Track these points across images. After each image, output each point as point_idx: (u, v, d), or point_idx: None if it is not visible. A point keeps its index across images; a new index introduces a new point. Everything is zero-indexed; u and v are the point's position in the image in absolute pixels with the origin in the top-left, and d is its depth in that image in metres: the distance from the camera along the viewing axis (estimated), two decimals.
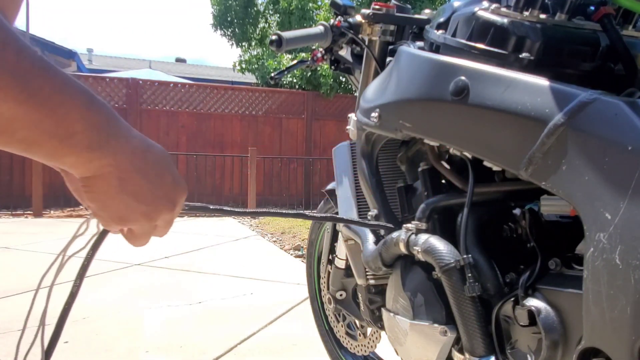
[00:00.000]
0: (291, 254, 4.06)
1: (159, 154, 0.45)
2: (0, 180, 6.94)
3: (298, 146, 8.63)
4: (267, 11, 11.06)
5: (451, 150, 0.86)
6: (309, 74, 8.59)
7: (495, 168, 0.77)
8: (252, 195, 6.76)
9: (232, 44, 11.19)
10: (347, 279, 1.43)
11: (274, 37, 1.19)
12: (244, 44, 11.11)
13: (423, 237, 0.86)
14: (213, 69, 23.00)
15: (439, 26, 0.88)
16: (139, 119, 7.62)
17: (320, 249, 1.64)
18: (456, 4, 0.86)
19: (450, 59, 0.80)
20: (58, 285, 0.51)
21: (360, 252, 1.09)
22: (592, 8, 0.77)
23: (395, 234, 0.93)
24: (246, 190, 6.97)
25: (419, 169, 0.98)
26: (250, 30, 10.99)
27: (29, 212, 6.42)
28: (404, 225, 0.92)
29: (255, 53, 10.30)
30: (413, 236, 0.88)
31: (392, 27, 1.15)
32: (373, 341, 1.42)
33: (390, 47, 1.16)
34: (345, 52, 1.32)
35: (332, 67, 1.37)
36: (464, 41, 0.81)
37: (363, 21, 1.16)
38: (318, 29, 1.22)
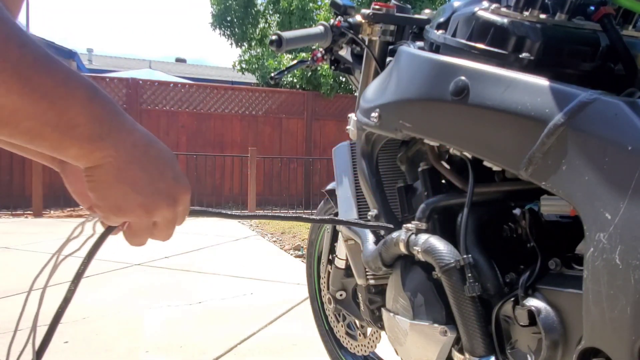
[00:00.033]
0: (291, 254, 4.06)
1: (162, 151, 0.46)
2: (0, 180, 6.94)
3: (298, 146, 8.63)
4: (267, 11, 11.07)
5: (451, 150, 0.86)
6: (309, 74, 8.60)
7: (495, 168, 0.77)
8: (252, 196, 6.76)
9: (232, 44, 11.19)
10: (347, 279, 1.43)
11: (274, 37, 1.19)
12: (243, 44, 11.11)
13: (423, 237, 0.86)
14: (213, 69, 23.01)
15: (439, 26, 0.88)
16: (139, 119, 7.62)
17: (320, 249, 1.64)
18: (456, 4, 0.86)
19: (450, 59, 0.80)
20: (56, 286, 0.51)
21: (360, 252, 1.09)
22: (592, 8, 0.77)
23: (395, 234, 0.93)
24: (246, 190, 6.97)
25: (419, 169, 0.98)
26: (250, 30, 10.99)
27: (29, 212, 6.42)
28: (404, 225, 0.92)
29: (255, 53, 10.30)
30: (413, 236, 0.88)
31: (392, 27, 1.15)
32: (373, 341, 1.42)
33: (390, 47, 1.16)
34: (345, 52, 1.32)
35: (332, 67, 1.37)
36: (464, 41, 0.81)
37: (363, 21, 1.16)
38: (318, 29, 1.22)
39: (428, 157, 0.94)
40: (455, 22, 0.84)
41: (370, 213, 1.05)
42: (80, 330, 2.12)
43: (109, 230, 0.51)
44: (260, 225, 5.70)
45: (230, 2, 10.86)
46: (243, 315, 2.38)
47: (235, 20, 10.93)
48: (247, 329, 2.18)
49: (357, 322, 1.48)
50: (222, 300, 2.63)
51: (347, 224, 1.14)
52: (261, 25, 11.09)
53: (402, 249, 0.90)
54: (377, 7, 1.14)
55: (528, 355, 0.73)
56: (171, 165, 0.47)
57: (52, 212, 6.55)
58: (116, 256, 3.55)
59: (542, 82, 0.67)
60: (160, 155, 0.46)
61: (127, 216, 0.45)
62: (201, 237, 4.72)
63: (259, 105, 8.41)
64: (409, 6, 1.19)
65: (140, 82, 7.87)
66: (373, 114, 0.96)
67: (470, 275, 0.78)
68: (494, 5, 0.79)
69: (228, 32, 11.12)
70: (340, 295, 1.46)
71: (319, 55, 1.32)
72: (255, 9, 11.02)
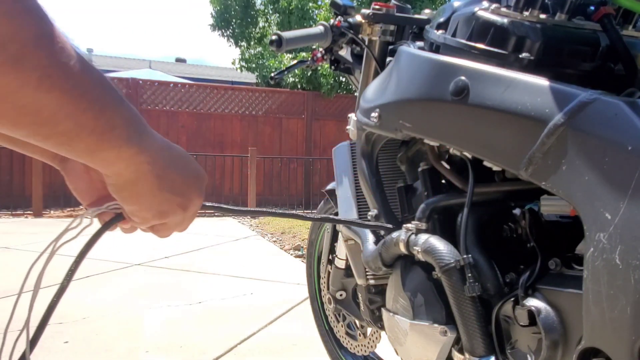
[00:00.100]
0: (291, 254, 4.06)
1: (178, 148, 0.48)
2: (0, 180, 6.94)
3: (298, 146, 8.63)
4: (266, 10, 11.07)
5: (451, 150, 0.86)
6: (309, 73, 8.60)
7: (495, 168, 0.77)
8: (252, 195, 6.76)
9: (231, 45, 11.19)
10: (347, 279, 1.43)
11: (274, 37, 1.19)
12: (243, 43, 11.11)
13: (423, 237, 0.86)
14: (213, 69, 23.01)
15: (439, 26, 0.88)
16: None
17: (320, 249, 1.64)
18: (456, 4, 0.86)
19: (450, 59, 0.80)
20: (50, 287, 0.51)
21: (360, 252, 1.09)
22: (592, 8, 0.77)
23: (395, 234, 0.93)
24: (246, 190, 6.97)
25: (419, 169, 0.98)
26: (250, 30, 10.99)
27: (29, 212, 6.42)
28: (404, 226, 0.92)
29: (254, 52, 10.30)
30: (413, 236, 0.88)
31: (392, 27, 1.15)
32: (373, 341, 1.42)
33: (390, 47, 1.16)
34: (345, 52, 1.32)
35: (332, 67, 1.37)
36: (464, 41, 0.81)
37: (363, 21, 1.16)
38: (318, 29, 1.22)
39: (428, 157, 0.94)
40: (455, 22, 0.84)
41: (370, 213, 1.05)
42: (80, 330, 2.12)
43: (114, 221, 0.51)
44: (260, 225, 5.70)
45: (229, 1, 10.86)
46: (243, 315, 2.38)
47: (234, 20, 10.93)
48: (247, 329, 2.18)
49: (357, 322, 1.48)
50: (222, 300, 2.63)
51: (347, 223, 1.14)
52: (261, 24, 11.09)
53: (402, 249, 0.90)
54: (377, 7, 1.14)
55: (528, 355, 0.73)
56: (190, 159, 0.49)
57: (52, 212, 6.55)
58: (116, 256, 3.55)
59: (542, 82, 0.67)
60: (180, 152, 0.48)
61: (169, 217, 0.47)
62: (201, 237, 4.72)
63: (259, 105, 8.41)
64: (409, 6, 1.19)
65: (140, 82, 7.87)
66: (373, 114, 0.96)
67: (470, 275, 0.78)
68: (494, 5, 0.79)
69: (228, 33, 11.12)
70: (340, 295, 1.46)
71: (319, 55, 1.32)
72: (255, 8, 11.02)
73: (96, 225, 0.52)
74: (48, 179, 6.50)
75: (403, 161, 1.08)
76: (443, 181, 0.95)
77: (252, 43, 10.97)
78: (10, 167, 6.97)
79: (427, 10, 1.15)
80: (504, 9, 0.78)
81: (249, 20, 10.93)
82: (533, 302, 0.71)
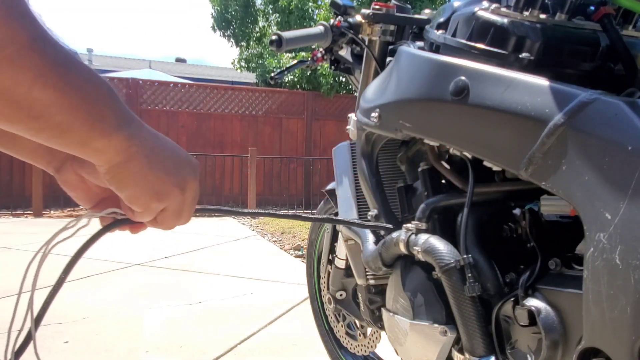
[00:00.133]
0: (291, 254, 4.06)
1: (167, 138, 0.50)
2: (0, 180, 6.94)
3: (298, 146, 8.63)
4: (266, 10, 11.07)
5: (451, 150, 0.86)
6: (309, 73, 8.60)
7: (495, 168, 0.77)
8: (252, 195, 6.76)
9: (232, 45, 11.19)
10: (347, 279, 1.43)
11: (274, 37, 1.19)
12: (242, 43, 11.11)
13: (423, 237, 0.86)
14: (213, 69, 23.00)
15: (439, 26, 0.88)
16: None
17: (320, 249, 1.64)
18: (456, 4, 0.86)
19: (450, 59, 0.80)
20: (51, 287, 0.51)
21: (360, 252, 1.09)
22: (592, 8, 0.77)
23: (395, 234, 0.93)
24: (246, 190, 6.97)
25: (419, 169, 0.98)
26: (249, 30, 10.99)
27: (29, 212, 6.42)
28: (404, 226, 0.92)
29: (255, 52, 10.30)
30: (413, 236, 0.88)
31: (392, 27, 1.15)
32: (373, 341, 1.42)
33: (390, 47, 1.16)
34: (345, 52, 1.32)
35: (332, 67, 1.37)
36: (464, 41, 0.81)
37: (363, 21, 1.16)
38: (318, 29, 1.22)
39: (428, 157, 0.94)
40: (455, 22, 0.84)
41: (370, 213, 1.05)
42: (80, 330, 2.12)
43: (113, 225, 0.51)
44: (260, 225, 5.70)
45: (230, 0, 10.86)
46: (243, 315, 2.38)
47: (234, 19, 10.93)
48: (247, 329, 2.18)
49: (357, 322, 1.48)
50: (222, 300, 2.63)
51: (347, 223, 1.14)
52: (260, 24, 11.09)
53: (402, 249, 0.90)
54: (377, 7, 1.14)
55: (528, 355, 0.73)
56: (178, 147, 0.51)
57: (52, 212, 6.55)
58: (116, 256, 3.55)
59: (542, 82, 0.67)
60: (168, 140, 0.50)
61: (166, 199, 0.48)
62: (201, 237, 4.72)
63: (259, 105, 8.41)
64: (409, 6, 1.19)
65: (140, 82, 7.87)
66: (373, 114, 0.96)
67: (470, 275, 0.78)
68: (494, 5, 0.79)
69: (228, 33, 11.12)
70: (340, 295, 1.46)
71: (319, 55, 1.32)
72: (255, 8, 11.02)
73: (94, 225, 0.52)
74: (48, 179, 6.49)
75: (403, 161, 1.08)
76: (443, 181, 0.95)
77: (251, 43, 10.97)
78: (10, 167, 6.97)
79: (427, 10, 1.15)
80: (504, 9, 0.78)
81: (249, 19, 10.93)
82: (533, 302, 0.71)
